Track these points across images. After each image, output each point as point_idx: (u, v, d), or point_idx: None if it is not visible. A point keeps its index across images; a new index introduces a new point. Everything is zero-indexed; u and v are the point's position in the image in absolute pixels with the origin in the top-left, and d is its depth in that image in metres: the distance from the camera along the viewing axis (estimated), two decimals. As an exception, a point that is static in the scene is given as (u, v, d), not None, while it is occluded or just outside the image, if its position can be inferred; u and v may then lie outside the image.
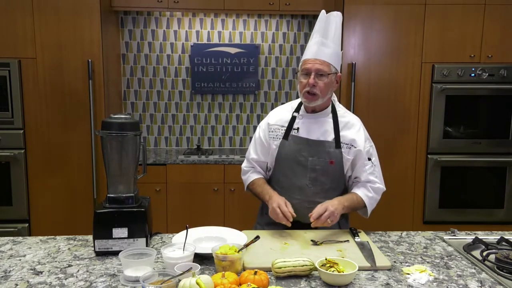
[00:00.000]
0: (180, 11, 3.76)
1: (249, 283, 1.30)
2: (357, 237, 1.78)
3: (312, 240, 1.73)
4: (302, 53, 3.95)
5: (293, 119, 1.93)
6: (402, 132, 3.45)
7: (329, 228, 1.86)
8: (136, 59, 3.90)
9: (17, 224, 3.30)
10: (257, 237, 1.63)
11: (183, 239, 1.56)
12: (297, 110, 1.94)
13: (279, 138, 1.92)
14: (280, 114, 1.99)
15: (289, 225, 1.76)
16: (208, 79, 3.92)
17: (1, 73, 3.17)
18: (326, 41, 1.81)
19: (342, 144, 1.87)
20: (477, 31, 3.36)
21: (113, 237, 1.62)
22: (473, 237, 1.77)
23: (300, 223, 1.84)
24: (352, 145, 1.87)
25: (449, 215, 3.49)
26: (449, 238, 1.84)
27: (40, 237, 1.82)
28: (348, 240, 1.76)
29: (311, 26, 3.92)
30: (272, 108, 3.97)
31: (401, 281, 1.44)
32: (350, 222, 2.09)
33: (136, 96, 3.94)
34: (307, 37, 3.93)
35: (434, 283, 1.43)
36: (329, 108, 1.92)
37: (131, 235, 1.63)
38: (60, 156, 3.31)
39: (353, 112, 3.32)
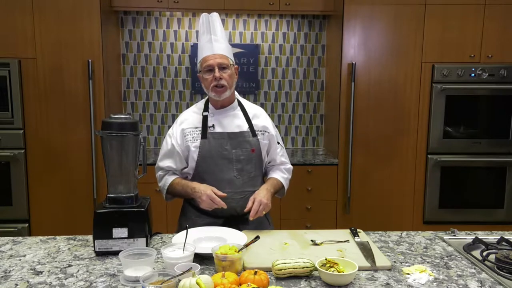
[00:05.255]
0: (180, 11, 3.76)
1: (249, 283, 1.30)
2: (357, 237, 1.77)
3: (312, 240, 1.74)
4: (302, 53, 3.95)
5: (205, 118, 1.96)
6: (402, 132, 3.45)
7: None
8: (136, 59, 3.90)
9: (17, 224, 3.30)
10: (257, 237, 1.64)
11: (183, 239, 1.56)
12: (206, 109, 1.99)
13: (197, 140, 1.94)
14: (190, 118, 2.00)
15: (225, 206, 1.80)
16: (208, 79, 3.91)
17: (1, 73, 3.17)
18: (217, 37, 1.94)
19: (256, 132, 1.99)
20: (477, 31, 3.36)
21: (113, 237, 1.62)
22: (473, 237, 1.77)
23: (235, 216, 1.93)
24: (265, 131, 2.01)
25: (449, 215, 3.49)
26: (449, 238, 1.83)
27: (40, 237, 1.82)
28: (348, 240, 1.76)
29: (311, 26, 3.92)
30: (272, 108, 4.02)
31: (401, 281, 1.44)
32: (352, 223, 2.10)
33: (136, 96, 3.94)
34: (307, 37, 3.93)
35: (434, 283, 1.43)
36: (236, 102, 2.02)
37: (131, 235, 1.63)
38: (60, 156, 3.31)
39: (353, 112, 3.38)
